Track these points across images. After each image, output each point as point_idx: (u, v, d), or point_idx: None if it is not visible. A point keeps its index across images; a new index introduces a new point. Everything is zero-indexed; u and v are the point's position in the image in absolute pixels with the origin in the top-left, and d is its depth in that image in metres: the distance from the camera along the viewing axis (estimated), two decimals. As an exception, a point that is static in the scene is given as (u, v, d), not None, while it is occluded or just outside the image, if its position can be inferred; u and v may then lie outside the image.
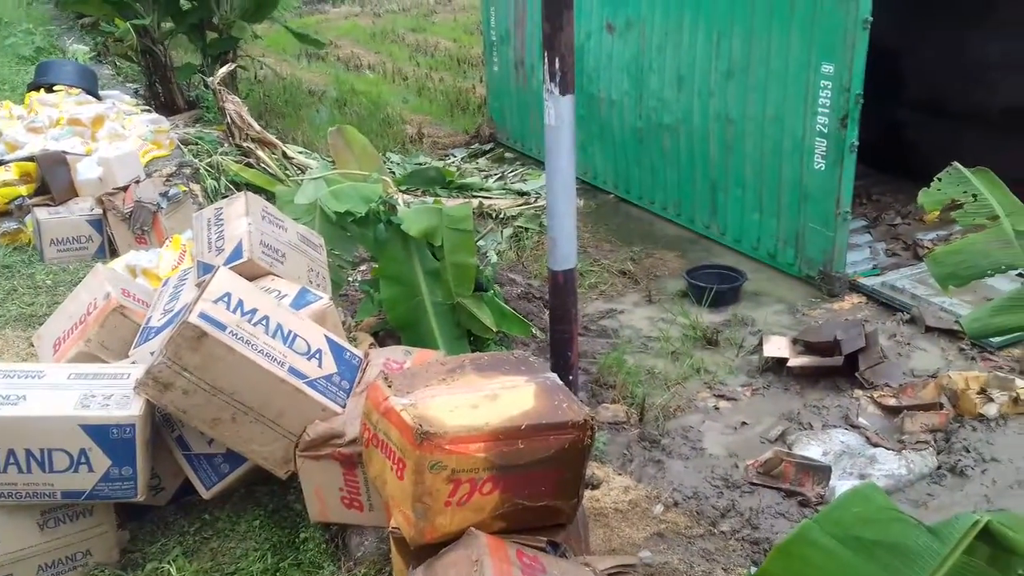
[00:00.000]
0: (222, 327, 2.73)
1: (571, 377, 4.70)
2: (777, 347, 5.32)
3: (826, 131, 5.84)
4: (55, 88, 7.39)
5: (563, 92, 4.22)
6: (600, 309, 6.26)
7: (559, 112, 4.27)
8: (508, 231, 7.50)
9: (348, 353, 3.01)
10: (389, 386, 2.45)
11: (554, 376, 2.60)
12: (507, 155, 9.55)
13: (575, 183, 4.43)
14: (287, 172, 8.05)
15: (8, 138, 6.23)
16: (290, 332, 2.90)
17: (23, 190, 5.60)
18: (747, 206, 6.65)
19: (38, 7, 14.81)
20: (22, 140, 6.18)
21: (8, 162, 5.73)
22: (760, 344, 5.45)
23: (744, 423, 4.88)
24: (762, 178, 6.46)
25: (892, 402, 4.81)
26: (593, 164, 8.35)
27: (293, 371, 2.80)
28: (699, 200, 7.14)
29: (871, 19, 5.48)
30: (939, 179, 2.78)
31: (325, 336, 3.01)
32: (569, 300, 4.64)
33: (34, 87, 7.64)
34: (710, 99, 6.76)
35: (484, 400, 2.40)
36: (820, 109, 5.84)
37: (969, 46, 7.27)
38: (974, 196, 2.69)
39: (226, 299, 2.84)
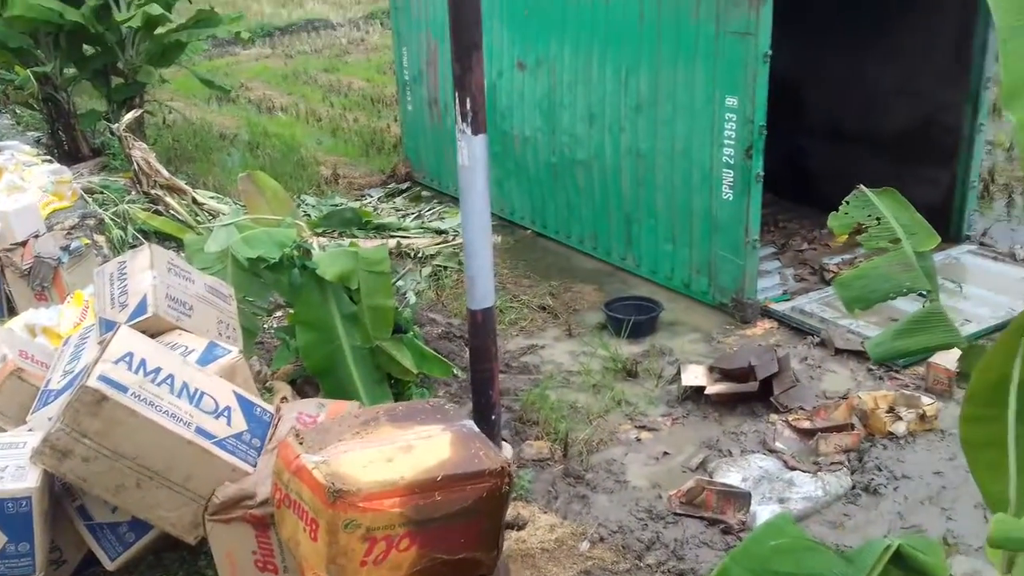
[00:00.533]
0: (123, 389, 2.64)
1: (493, 416, 4.68)
2: (695, 376, 5.41)
3: (732, 162, 6.01)
4: (-54, 140, 7.10)
5: (475, 132, 4.24)
6: (521, 345, 6.27)
7: (472, 152, 4.29)
8: (427, 270, 7.48)
9: (259, 409, 2.94)
10: (300, 443, 2.40)
11: (470, 423, 2.59)
12: (424, 194, 9.54)
13: (491, 221, 4.45)
14: (198, 218, 7.88)
15: None
16: (196, 390, 2.82)
17: (-89, 249, 5.33)
18: (660, 237, 6.78)
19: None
20: (-91, 196, 5.90)
21: None
22: (678, 373, 5.53)
23: (666, 453, 4.94)
24: (673, 209, 6.60)
25: (806, 425, 4.93)
26: (510, 200, 8.41)
27: (200, 431, 2.71)
28: (614, 233, 7.25)
29: (770, 52, 5.69)
30: (846, 203, 2.88)
31: (234, 392, 2.93)
32: (489, 339, 4.63)
33: (-77, 139, 7.33)
34: (621, 134, 6.89)
35: (399, 452, 2.37)
36: (726, 141, 6.01)
37: (865, 73, 7.60)
38: (878, 219, 2.79)
39: (128, 359, 2.75)
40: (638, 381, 5.64)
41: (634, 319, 6.15)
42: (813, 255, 7.18)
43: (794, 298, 6.50)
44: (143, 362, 2.76)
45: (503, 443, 4.76)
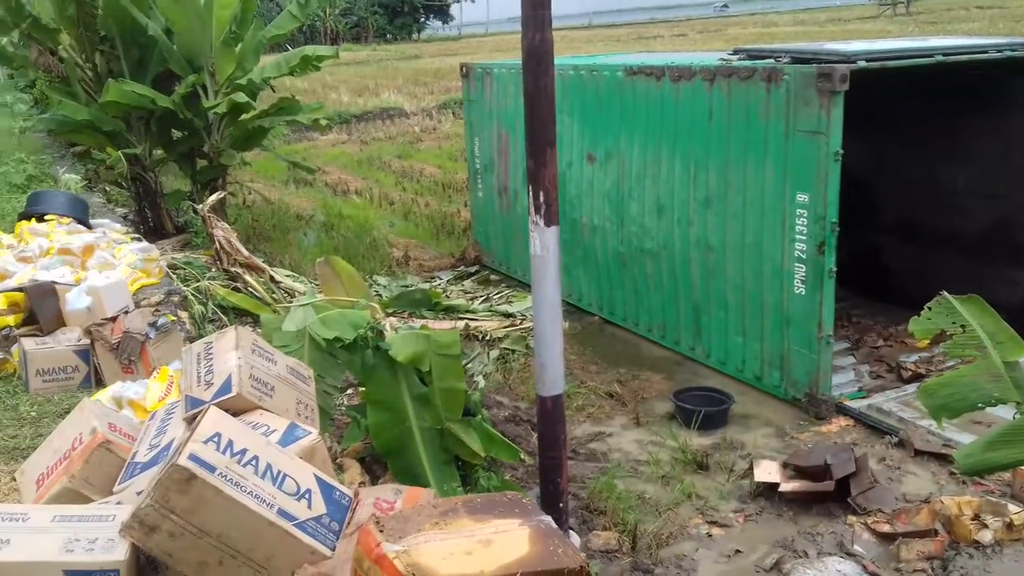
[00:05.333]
0: (212, 469, 2.70)
1: (561, 504, 4.64)
2: (768, 472, 5.29)
3: (804, 257, 5.98)
4: (46, 217, 7.50)
5: (548, 223, 4.34)
6: (588, 432, 6.23)
7: (544, 242, 4.38)
8: (495, 353, 7.53)
9: (338, 492, 2.97)
10: (381, 531, 2.42)
11: (548, 519, 2.57)
12: (492, 277, 9.69)
13: (561, 308, 4.50)
14: (274, 296, 8.12)
15: (-2, 267, 6.27)
16: (279, 472, 2.87)
17: (11, 320, 5.60)
18: (731, 329, 6.74)
19: (31, 136, 15.17)
20: (12, 269, 6.23)
21: (-3, 292, 5.75)
22: (750, 468, 5.42)
23: (738, 551, 4.80)
24: (744, 302, 6.57)
25: (886, 528, 4.76)
26: (578, 287, 8.48)
27: (282, 513, 2.75)
28: (683, 323, 7.23)
29: (842, 151, 5.71)
30: (929, 308, 2.85)
31: (315, 475, 2.97)
32: (558, 426, 4.64)
33: (25, 216, 7.75)
34: (689, 226, 6.95)
35: (478, 546, 2.37)
36: (797, 236, 6.00)
37: (938, 172, 7.55)
38: (963, 327, 2.75)
39: (216, 439, 2.82)
40: (709, 474, 5.54)
41: (705, 410, 6.08)
42: (889, 352, 7.04)
43: (870, 395, 6.35)
44: (230, 443, 2.83)
45: (570, 532, 4.71)
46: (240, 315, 7.37)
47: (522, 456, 5.64)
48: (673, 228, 7.12)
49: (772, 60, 6.20)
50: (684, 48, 28.52)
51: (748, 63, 6.36)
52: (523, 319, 8.03)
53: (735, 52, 6.84)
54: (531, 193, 4.32)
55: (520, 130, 8.73)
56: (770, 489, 5.22)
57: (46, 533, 2.76)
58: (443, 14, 72.73)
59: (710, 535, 4.96)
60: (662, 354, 7.40)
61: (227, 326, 6.94)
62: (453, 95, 21.08)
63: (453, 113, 19.85)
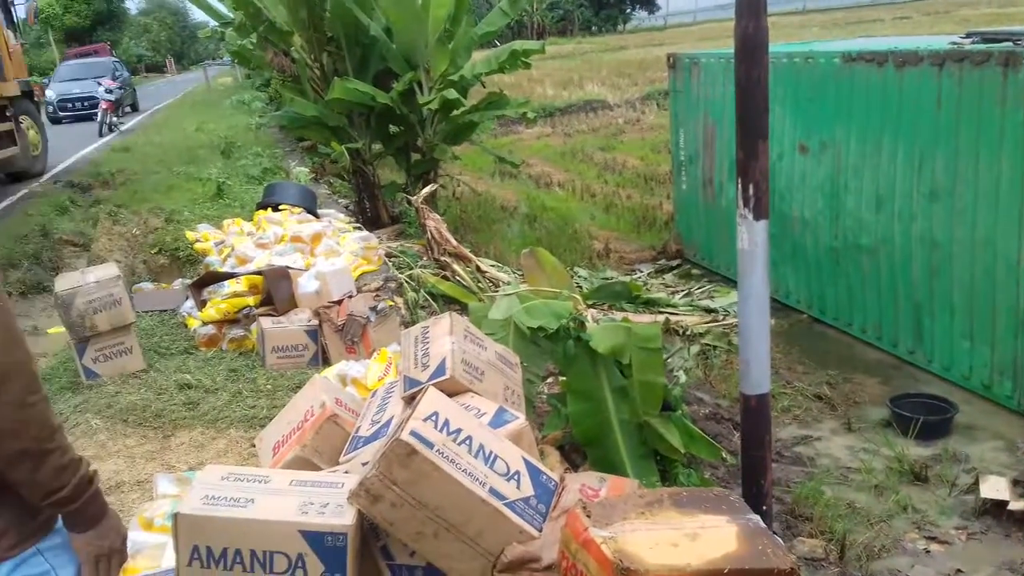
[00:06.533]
0: (430, 445, 2.88)
1: (764, 507, 4.51)
2: (996, 488, 4.89)
3: (1046, 255, 5.46)
4: (280, 207, 8.20)
5: (757, 217, 4.20)
6: (794, 435, 6.02)
7: (753, 236, 4.26)
8: (695, 348, 7.43)
9: (544, 476, 3.07)
10: (588, 516, 2.48)
11: (757, 518, 2.54)
12: (694, 271, 9.53)
13: (769, 305, 4.37)
14: (480, 285, 8.43)
15: (239, 252, 6.94)
16: (491, 452, 3.01)
17: (250, 301, 6.18)
18: (956, 333, 6.26)
19: (265, 132, 16.58)
20: (251, 255, 6.87)
21: (240, 275, 6.36)
22: (976, 483, 5.03)
23: (959, 571, 4.48)
24: (973, 303, 6.08)
25: None
26: (785, 283, 8.18)
27: (493, 492, 2.89)
28: (902, 324, 6.79)
29: (1094, 140, 5.16)
30: None
31: (523, 458, 3.09)
32: (762, 426, 4.50)
33: (262, 206, 8.51)
34: (912, 221, 6.51)
35: (684, 539, 2.38)
36: (1038, 232, 5.48)
37: None
38: None
39: (434, 418, 3.00)
40: (928, 487, 5.20)
41: (925, 419, 5.69)
42: None
43: (1120, 411, 5.70)
44: (447, 422, 3.00)
45: (774, 535, 4.58)
46: (448, 302, 7.72)
47: (723, 455, 5.55)
48: (893, 223, 6.70)
49: (1010, 43, 5.69)
50: (908, 32, 26.56)
51: (982, 47, 5.87)
52: (726, 315, 7.86)
53: (967, 35, 6.37)
54: (740, 186, 4.21)
55: (728, 121, 8.57)
56: (997, 507, 4.82)
57: (285, 495, 3.05)
58: (649, 4, 71.85)
59: (928, 551, 4.66)
60: (877, 356, 6.99)
61: (436, 312, 7.32)
62: (657, 86, 20.86)
63: (657, 104, 19.66)
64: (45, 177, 13.79)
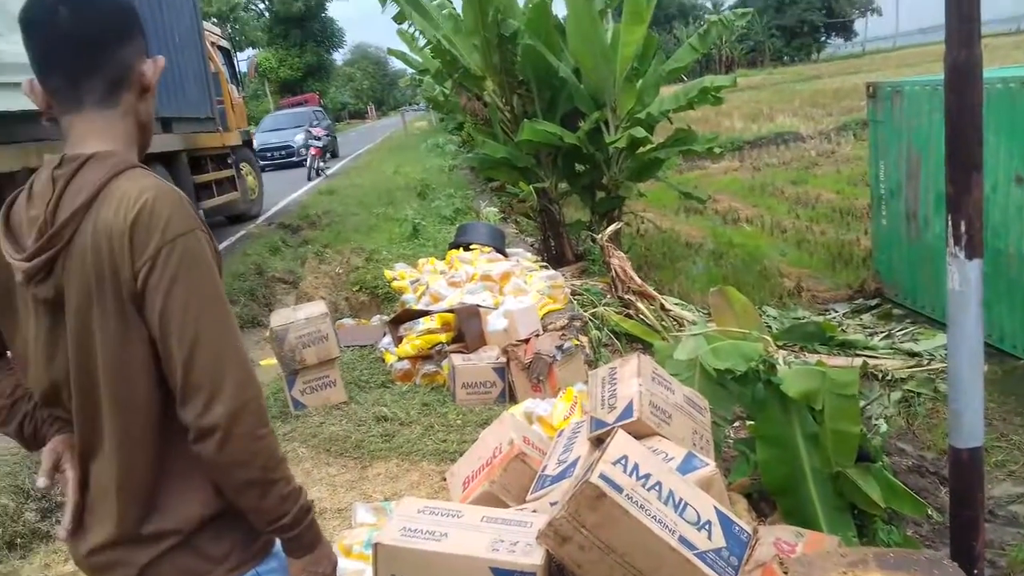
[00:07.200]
0: (619, 489, 2.88)
1: (976, 571, 4.16)
2: None
3: None
4: (471, 247, 8.51)
5: (969, 256, 3.93)
6: (1009, 492, 5.51)
7: (964, 276, 3.97)
8: (896, 395, 6.98)
9: (737, 527, 3.00)
10: (785, 572, 2.40)
11: (972, 586, 2.35)
12: (895, 312, 8.98)
13: (982, 350, 4.06)
14: (663, 324, 8.35)
15: (433, 290, 7.27)
16: (680, 500, 2.97)
17: (443, 337, 6.43)
18: None
19: (457, 173, 17.30)
20: (444, 293, 7.17)
21: (433, 312, 6.65)
22: None
23: None
24: None
25: None
26: (999, 325, 7.54)
27: (683, 541, 2.85)
28: None
29: None
30: None
31: (714, 507, 3.03)
32: (975, 482, 4.15)
33: (454, 245, 8.87)
34: None
35: (890, 603, 2.25)
36: None
37: None
38: None
39: (623, 462, 3.00)
40: None
41: None
42: None
43: None
44: (636, 466, 3.00)
45: (989, 605, 4.21)
46: (631, 341, 7.70)
47: (929, 512, 5.16)
48: None
49: None
50: None
51: None
52: (931, 359, 7.34)
53: None
54: (950, 222, 3.95)
55: (934, 151, 8.06)
56: None
57: (477, 531, 3.15)
58: (846, 31, 68.95)
59: None
60: (1107, 408, 6.30)
61: (620, 350, 7.31)
62: (855, 116, 19.93)
63: (854, 135, 18.76)
64: (260, 219, 15.05)
